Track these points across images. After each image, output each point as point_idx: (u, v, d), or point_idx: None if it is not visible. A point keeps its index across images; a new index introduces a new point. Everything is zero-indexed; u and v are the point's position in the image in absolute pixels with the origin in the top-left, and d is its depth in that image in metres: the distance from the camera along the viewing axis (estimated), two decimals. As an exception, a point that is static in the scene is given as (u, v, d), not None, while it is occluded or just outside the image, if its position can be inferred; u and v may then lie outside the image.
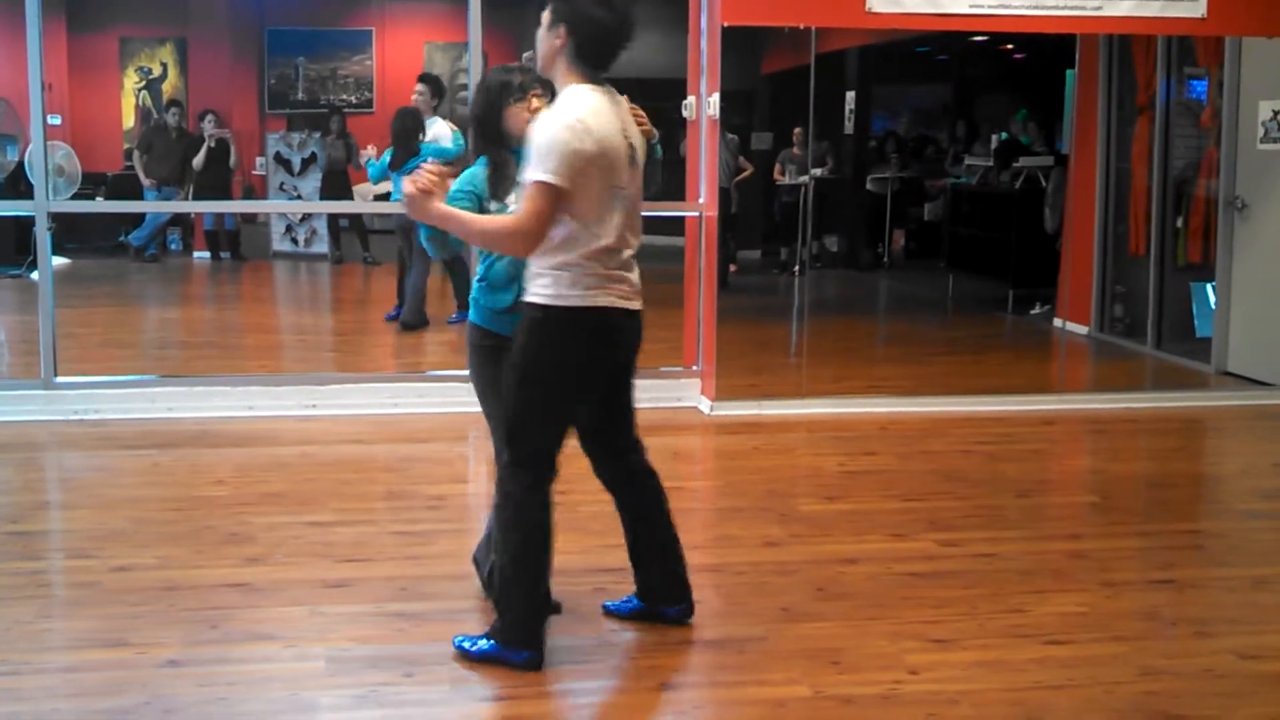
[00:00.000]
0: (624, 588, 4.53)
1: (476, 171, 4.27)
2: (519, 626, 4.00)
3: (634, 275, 4.02)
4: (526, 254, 3.88)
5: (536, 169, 3.73)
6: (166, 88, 16.48)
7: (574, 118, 3.75)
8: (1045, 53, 12.01)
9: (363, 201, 14.81)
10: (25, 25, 7.20)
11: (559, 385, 3.96)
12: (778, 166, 14.03)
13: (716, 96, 7.51)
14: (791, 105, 13.37)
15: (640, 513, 4.34)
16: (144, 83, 16.52)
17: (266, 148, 15.57)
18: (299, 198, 15.10)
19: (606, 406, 4.21)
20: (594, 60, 3.88)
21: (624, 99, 4.03)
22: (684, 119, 7.75)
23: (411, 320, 9.91)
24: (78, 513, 5.78)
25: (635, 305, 4.02)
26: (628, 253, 3.97)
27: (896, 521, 5.58)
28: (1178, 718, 3.74)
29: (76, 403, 7.29)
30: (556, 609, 4.36)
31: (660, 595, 4.37)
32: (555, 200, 3.74)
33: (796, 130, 13.74)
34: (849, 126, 14.83)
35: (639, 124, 4.07)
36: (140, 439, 6.89)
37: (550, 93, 4.06)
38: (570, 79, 3.88)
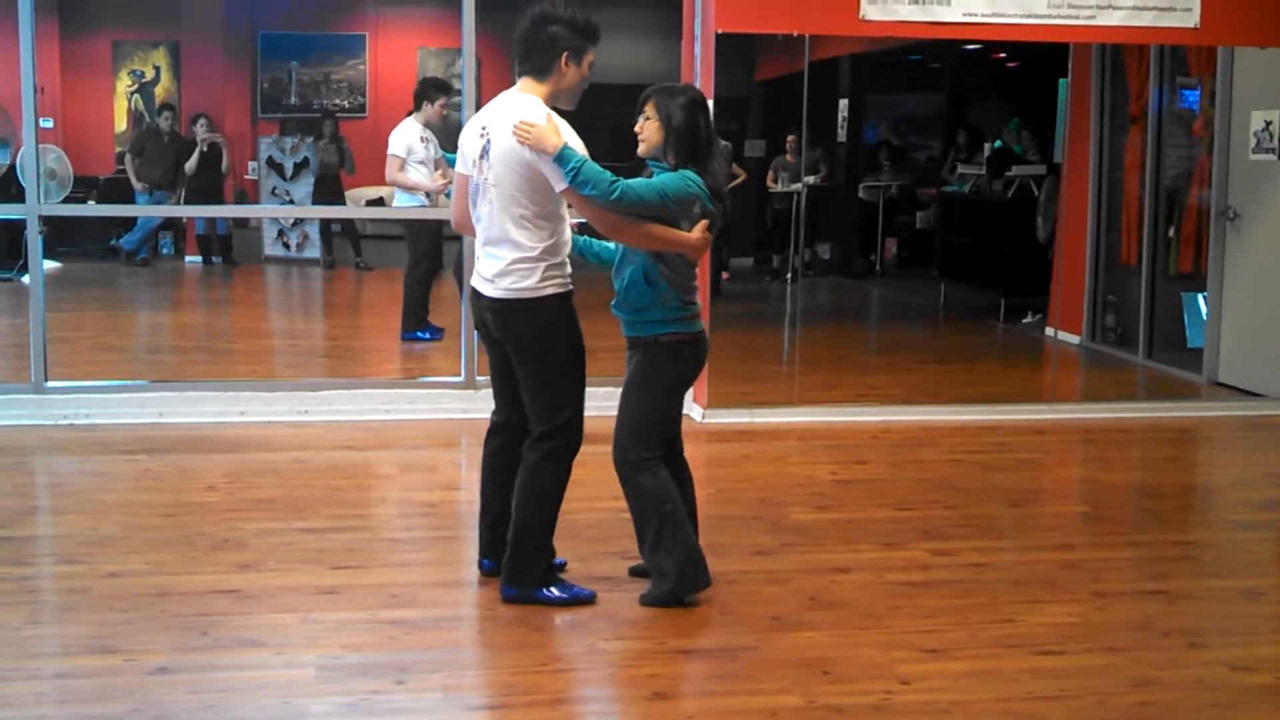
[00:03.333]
0: (619, 594, 4.53)
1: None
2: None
3: (482, 261, 4.55)
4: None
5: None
6: (159, 91, 16.46)
7: None
8: (1038, 62, 12.03)
9: (355, 206, 14.81)
10: (18, 28, 7.19)
11: None
12: (770, 174, 14.03)
13: (710, 103, 7.49)
14: (785, 112, 13.37)
15: None
16: (136, 86, 16.51)
17: (259, 152, 15.55)
18: (291, 202, 15.08)
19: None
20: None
21: (513, 104, 4.45)
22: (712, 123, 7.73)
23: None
24: (68, 518, 5.77)
25: (478, 286, 4.58)
26: (478, 235, 4.58)
27: (888, 531, 5.58)
28: (1169, 729, 3.75)
29: (67, 407, 7.27)
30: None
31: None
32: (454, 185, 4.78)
33: (790, 137, 13.75)
34: (842, 134, 14.85)
35: (517, 134, 4.34)
36: (131, 444, 6.87)
37: (660, 112, 4.55)
38: None
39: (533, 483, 4.54)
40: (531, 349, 4.48)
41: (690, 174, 4.48)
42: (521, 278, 4.42)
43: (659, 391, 4.59)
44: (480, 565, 4.81)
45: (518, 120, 4.34)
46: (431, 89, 9.77)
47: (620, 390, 4.63)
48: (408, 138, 9.54)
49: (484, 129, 4.47)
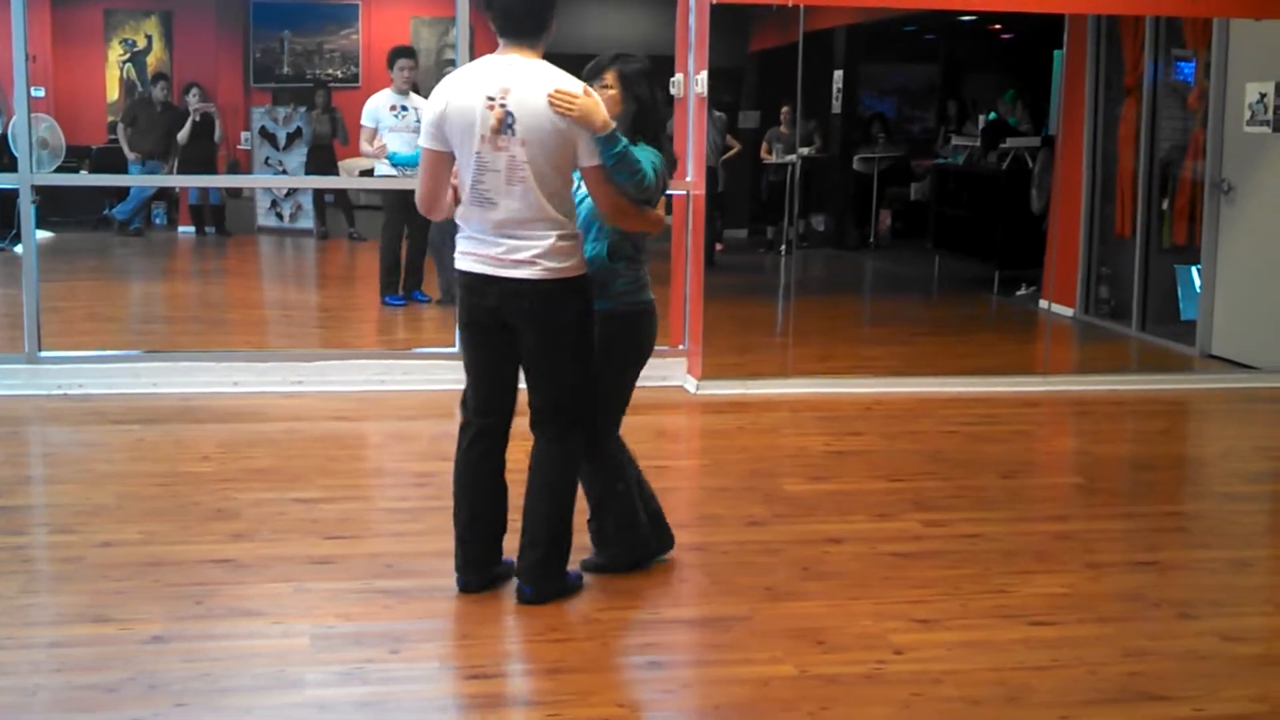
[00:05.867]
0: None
1: None
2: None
3: (508, 242, 4.17)
4: (433, 218, 4.46)
5: None
6: (151, 61, 16.36)
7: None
8: (1033, 33, 12.00)
9: (349, 177, 14.76)
10: (9, -3, 7.15)
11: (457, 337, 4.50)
12: (765, 145, 14.00)
13: (704, 74, 7.49)
14: (779, 84, 13.35)
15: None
16: (128, 55, 16.41)
17: (252, 122, 15.48)
18: (284, 172, 15.03)
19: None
20: (497, 30, 4.22)
21: (536, 73, 4.14)
22: (671, 97, 7.72)
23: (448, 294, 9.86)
24: (62, 488, 5.77)
25: (497, 271, 4.20)
26: (487, 217, 4.17)
27: (881, 502, 5.59)
28: (1160, 698, 3.77)
29: (60, 377, 7.26)
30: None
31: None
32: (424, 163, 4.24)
33: (784, 109, 13.72)
34: (836, 106, 14.81)
35: (557, 105, 4.07)
36: (125, 414, 6.86)
37: (623, 82, 4.38)
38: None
39: (565, 474, 4.37)
40: (570, 333, 4.26)
41: (649, 149, 4.37)
42: (566, 257, 4.17)
43: (622, 361, 4.53)
44: (465, 585, 4.42)
45: (553, 90, 4.06)
46: (394, 55, 9.80)
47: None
48: (376, 108, 9.60)
49: (497, 101, 4.07)
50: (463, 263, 4.27)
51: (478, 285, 4.24)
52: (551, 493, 4.35)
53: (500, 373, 4.35)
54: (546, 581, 4.36)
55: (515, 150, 4.08)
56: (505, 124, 4.07)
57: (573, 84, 4.12)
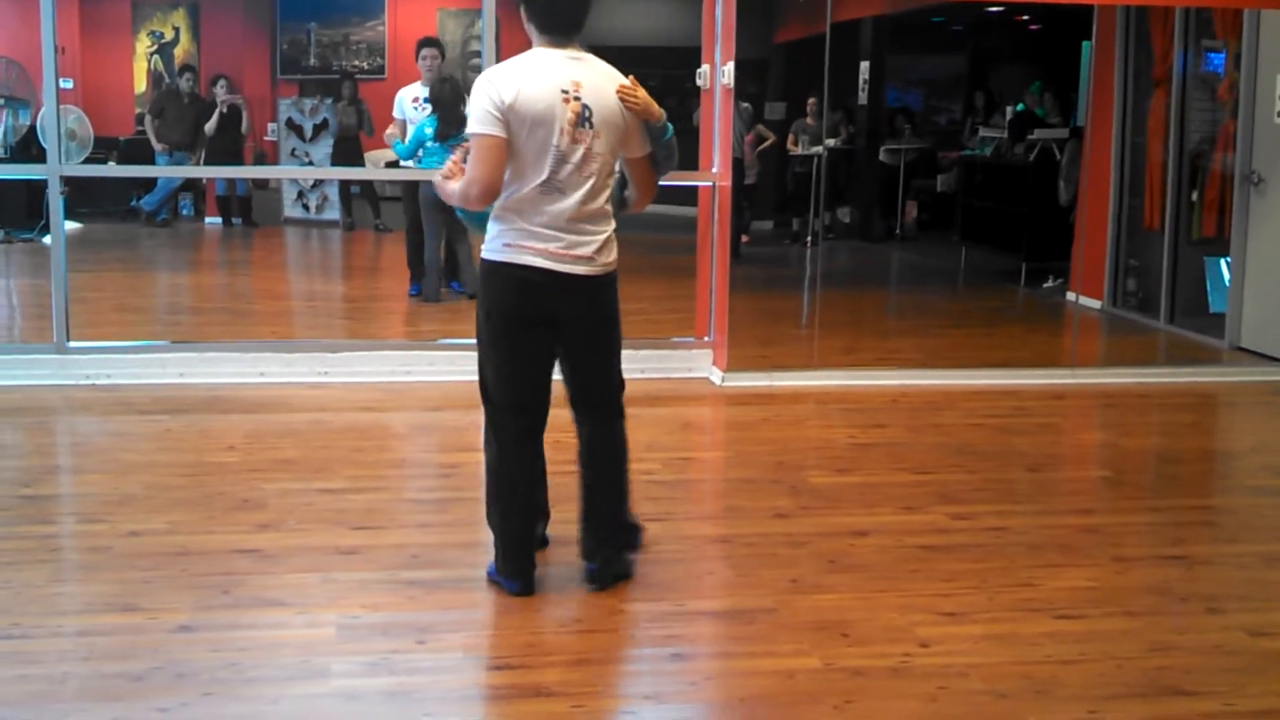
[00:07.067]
0: (637, 555, 4.54)
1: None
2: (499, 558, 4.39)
3: (572, 236, 4.18)
4: (475, 207, 4.25)
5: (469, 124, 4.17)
6: (178, 52, 16.44)
7: (484, 75, 4.22)
8: (1061, 24, 11.93)
9: (374, 168, 14.80)
10: (38, -12, 7.18)
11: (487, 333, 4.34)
12: (791, 136, 13.97)
13: (731, 65, 7.47)
14: (806, 75, 13.32)
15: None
16: (156, 47, 16.49)
17: (278, 113, 15.54)
18: (311, 163, 15.08)
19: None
20: (543, 28, 4.21)
21: (600, 67, 4.26)
22: (698, 88, 7.70)
23: (435, 292, 9.90)
24: (89, 477, 5.80)
25: (561, 267, 4.18)
26: (555, 209, 4.16)
27: (907, 494, 5.58)
28: (1187, 693, 3.75)
29: (88, 367, 7.29)
30: (544, 543, 4.60)
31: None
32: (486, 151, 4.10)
33: (810, 100, 13.67)
34: (863, 97, 14.76)
35: (627, 99, 4.21)
36: (152, 404, 6.90)
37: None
38: (535, 46, 4.24)
39: (623, 453, 4.49)
40: (617, 322, 4.40)
41: None
42: (614, 248, 4.31)
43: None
44: (527, 587, 4.36)
45: (619, 84, 4.21)
46: (418, 46, 9.87)
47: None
48: (401, 99, 9.67)
49: (571, 94, 4.11)
50: (514, 255, 4.19)
51: (537, 279, 4.19)
52: (622, 471, 4.47)
53: (545, 369, 4.35)
54: (625, 559, 4.49)
55: (591, 142, 4.15)
56: (582, 117, 4.13)
57: (624, 78, 4.28)
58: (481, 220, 4.30)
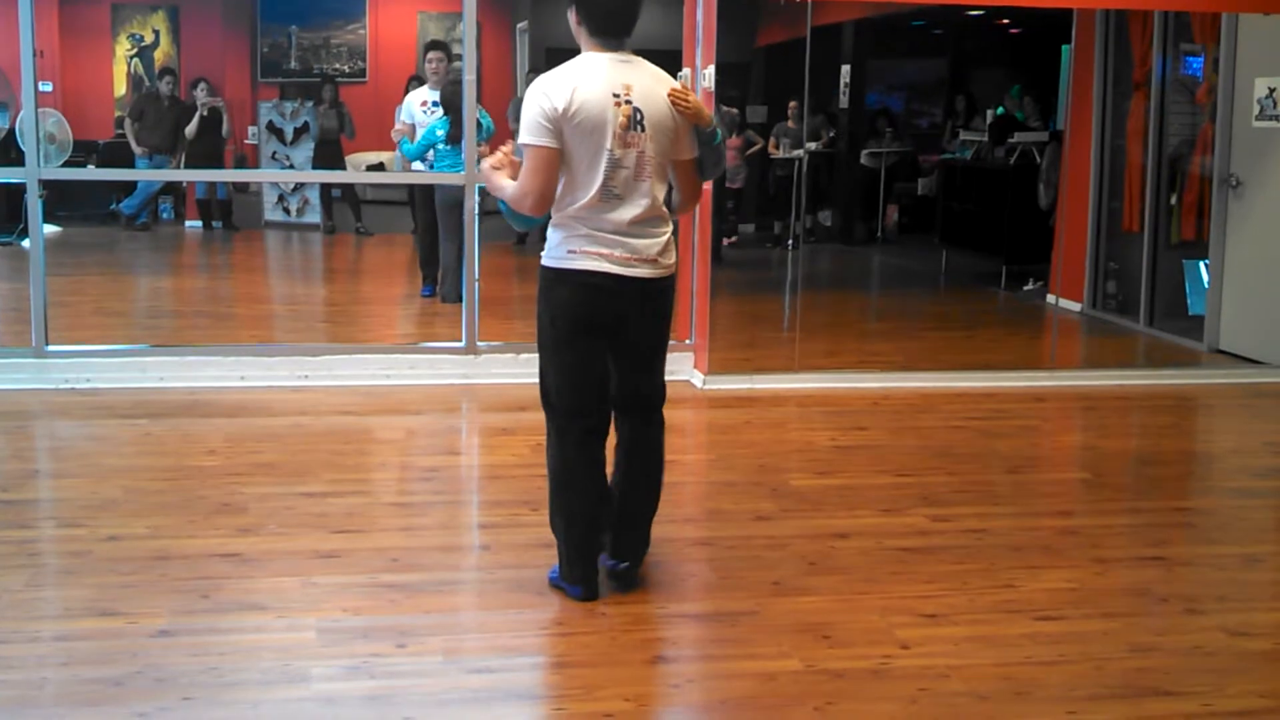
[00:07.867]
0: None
1: None
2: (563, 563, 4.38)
3: (635, 241, 4.17)
4: (530, 215, 4.20)
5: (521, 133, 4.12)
6: (158, 55, 16.37)
7: (536, 83, 4.16)
8: (1041, 28, 11.98)
9: (355, 171, 14.78)
10: (16, -9, 7.15)
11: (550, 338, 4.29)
12: (772, 140, 13.99)
13: (712, 69, 7.48)
14: (787, 78, 13.32)
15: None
16: (136, 50, 16.42)
17: (259, 116, 15.49)
18: (291, 167, 15.04)
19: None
20: (597, 30, 4.16)
21: (649, 69, 4.25)
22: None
23: (455, 294, 9.88)
24: (68, 481, 5.78)
25: (626, 271, 4.18)
26: (615, 215, 4.15)
27: (888, 496, 5.59)
28: (1167, 694, 3.76)
29: (68, 371, 7.27)
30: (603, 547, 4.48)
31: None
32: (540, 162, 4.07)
33: (791, 103, 13.70)
34: (844, 100, 14.79)
35: (679, 102, 4.20)
36: (132, 408, 6.87)
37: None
38: (585, 50, 4.21)
39: (662, 455, 4.48)
40: (670, 323, 4.43)
41: None
42: (675, 249, 4.32)
43: None
44: (591, 591, 4.36)
45: (671, 88, 4.20)
46: (424, 49, 9.85)
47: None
48: (409, 103, 9.67)
49: (622, 98, 4.09)
50: (578, 262, 4.17)
51: (603, 284, 4.17)
52: (660, 474, 4.48)
53: (603, 373, 4.34)
54: (642, 554, 4.51)
55: (645, 146, 4.14)
56: (634, 120, 4.11)
57: (673, 82, 4.29)
58: (524, 218, 4.28)
